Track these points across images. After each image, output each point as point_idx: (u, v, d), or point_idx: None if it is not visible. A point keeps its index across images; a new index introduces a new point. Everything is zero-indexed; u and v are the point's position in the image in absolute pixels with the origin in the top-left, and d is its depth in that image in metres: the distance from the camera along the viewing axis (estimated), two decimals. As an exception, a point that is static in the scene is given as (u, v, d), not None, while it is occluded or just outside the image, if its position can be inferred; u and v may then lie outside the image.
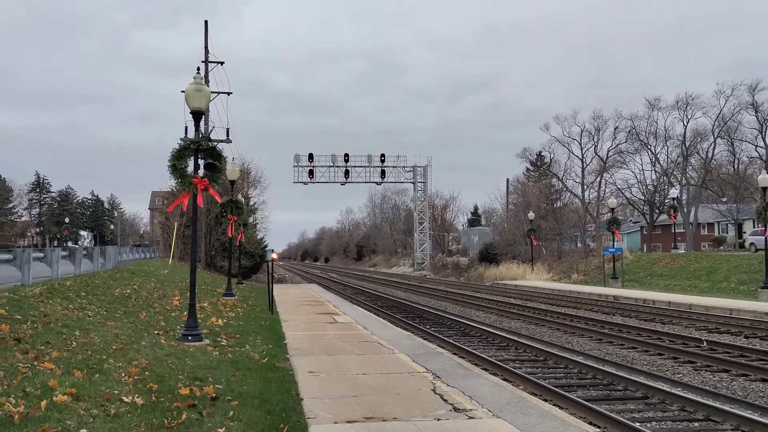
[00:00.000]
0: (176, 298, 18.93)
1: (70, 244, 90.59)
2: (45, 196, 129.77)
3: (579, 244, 61.52)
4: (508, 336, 16.99)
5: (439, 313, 23.97)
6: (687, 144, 57.82)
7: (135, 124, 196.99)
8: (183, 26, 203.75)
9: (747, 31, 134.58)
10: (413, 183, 74.15)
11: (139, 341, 10.94)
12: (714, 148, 57.86)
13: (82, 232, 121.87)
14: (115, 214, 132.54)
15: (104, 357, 8.97)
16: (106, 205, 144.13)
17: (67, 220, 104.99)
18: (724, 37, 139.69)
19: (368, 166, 69.08)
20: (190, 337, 11.98)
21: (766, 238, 28.10)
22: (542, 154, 69.35)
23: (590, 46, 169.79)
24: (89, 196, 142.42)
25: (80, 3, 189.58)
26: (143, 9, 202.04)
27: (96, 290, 16.16)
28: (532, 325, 20.73)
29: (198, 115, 13.00)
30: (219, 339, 12.79)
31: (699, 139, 57.98)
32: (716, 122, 56.31)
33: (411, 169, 72.30)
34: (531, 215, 51.40)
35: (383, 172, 69.72)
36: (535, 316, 22.95)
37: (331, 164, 68.17)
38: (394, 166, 70.71)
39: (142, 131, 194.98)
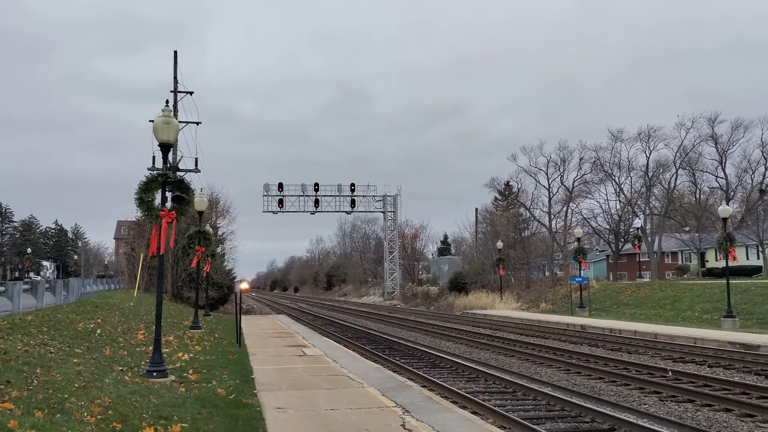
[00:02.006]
0: (141, 332, 18.57)
1: (32, 275, 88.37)
2: (7, 225, 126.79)
3: (547, 273, 62.13)
4: (477, 367, 17.01)
5: (409, 344, 23.91)
6: (650, 175, 59.11)
7: (99, 152, 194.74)
8: (146, 52, 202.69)
9: (707, 64, 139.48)
10: (383, 212, 74.41)
11: (102, 378, 10.70)
12: (676, 179, 59.27)
13: (45, 263, 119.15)
14: (79, 244, 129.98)
15: (66, 395, 8.76)
16: (70, 234, 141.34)
17: (29, 250, 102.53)
18: (684, 71, 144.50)
19: (338, 196, 69.21)
20: (155, 374, 11.75)
21: (726, 267, 28.77)
22: (510, 183, 70.19)
23: (555, 78, 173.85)
24: (53, 226, 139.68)
25: (40, 28, 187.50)
26: (105, 34, 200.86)
27: (58, 325, 15.79)
28: (501, 356, 20.79)
29: (166, 147, 12.95)
30: (185, 374, 12.57)
31: (661, 170, 59.30)
32: (677, 154, 57.78)
33: (381, 198, 72.61)
34: (499, 244, 51.86)
35: (353, 202, 69.87)
36: (504, 346, 23.03)
37: (301, 193, 68.16)
38: (364, 196, 70.99)
39: (107, 158, 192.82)
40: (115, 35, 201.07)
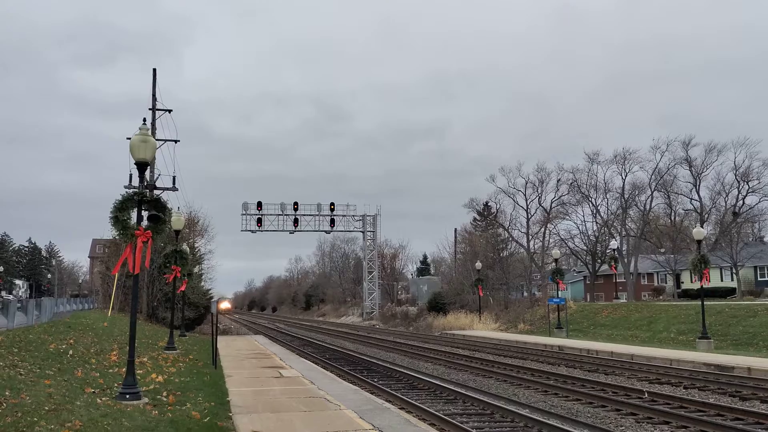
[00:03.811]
0: (115, 353, 18.26)
1: (3, 294, 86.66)
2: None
3: (525, 294, 62.37)
4: (455, 389, 16.95)
5: (388, 365, 23.77)
6: (626, 197, 59.95)
7: (71, 167, 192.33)
8: (119, 66, 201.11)
9: (677, 86, 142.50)
10: (363, 232, 74.32)
11: (73, 401, 10.47)
12: (651, 201, 60.15)
13: (18, 282, 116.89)
14: (53, 263, 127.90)
15: (36, 419, 8.56)
16: (43, 253, 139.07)
17: (1, 268, 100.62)
18: (657, 92, 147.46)
19: (318, 215, 69.06)
20: (128, 396, 11.53)
21: (701, 289, 29.13)
22: (489, 204, 70.69)
23: (532, 97, 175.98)
24: (26, 244, 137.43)
25: (8, 40, 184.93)
26: (77, 46, 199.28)
27: (29, 346, 15.47)
28: (479, 377, 20.75)
29: (143, 166, 12.82)
30: (159, 397, 12.35)
31: (637, 192, 60.20)
32: (653, 176, 58.72)
33: (360, 218, 72.58)
34: (478, 265, 52.00)
35: (333, 221, 69.76)
36: (482, 367, 23.00)
37: (280, 212, 67.90)
38: (343, 215, 70.93)
39: (80, 174, 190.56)
40: (87, 47, 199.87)
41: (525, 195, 63.26)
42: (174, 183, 37.35)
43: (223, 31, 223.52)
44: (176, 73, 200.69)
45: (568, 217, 63.89)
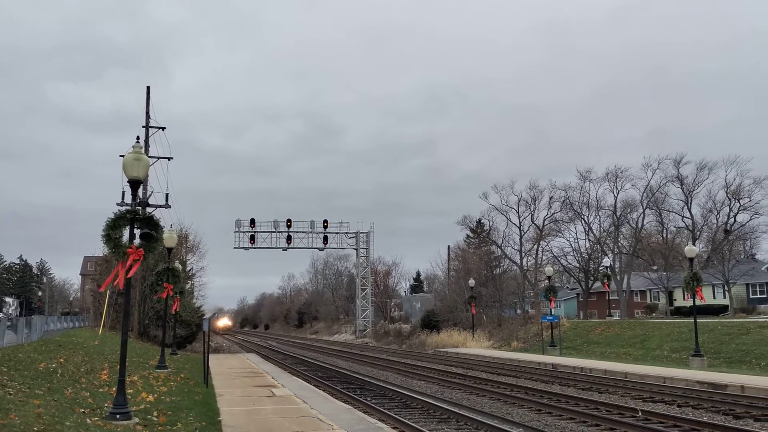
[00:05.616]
0: (105, 372, 18.09)
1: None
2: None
3: (518, 311, 62.29)
4: (449, 408, 16.85)
5: (381, 383, 23.64)
6: (618, 214, 60.16)
7: (59, 183, 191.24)
8: (107, 79, 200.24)
9: (669, 100, 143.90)
10: (356, 249, 74.26)
11: (63, 421, 10.35)
12: (643, 219, 60.34)
13: (8, 299, 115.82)
14: (44, 280, 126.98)
15: (23, 440, 8.45)
16: (34, 270, 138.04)
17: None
18: (647, 106, 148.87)
19: (311, 232, 68.96)
20: (118, 416, 11.41)
21: (693, 306, 29.18)
22: (482, 221, 70.74)
23: (523, 112, 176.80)
24: (17, 261, 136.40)
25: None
26: (64, 60, 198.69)
27: (19, 365, 15.32)
28: (473, 396, 20.66)
29: (136, 183, 12.80)
30: (149, 417, 12.23)
31: (629, 210, 60.41)
32: (644, 194, 59.01)
33: (353, 235, 72.54)
34: (472, 282, 51.97)
35: (326, 238, 69.66)
36: (476, 386, 22.90)
37: (273, 230, 67.78)
38: (336, 232, 70.84)
39: (68, 190, 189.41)
40: (74, 60, 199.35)
41: (518, 212, 63.37)
42: (167, 200, 37.29)
43: (213, 45, 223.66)
44: (165, 86, 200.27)
45: (560, 235, 64.01)
